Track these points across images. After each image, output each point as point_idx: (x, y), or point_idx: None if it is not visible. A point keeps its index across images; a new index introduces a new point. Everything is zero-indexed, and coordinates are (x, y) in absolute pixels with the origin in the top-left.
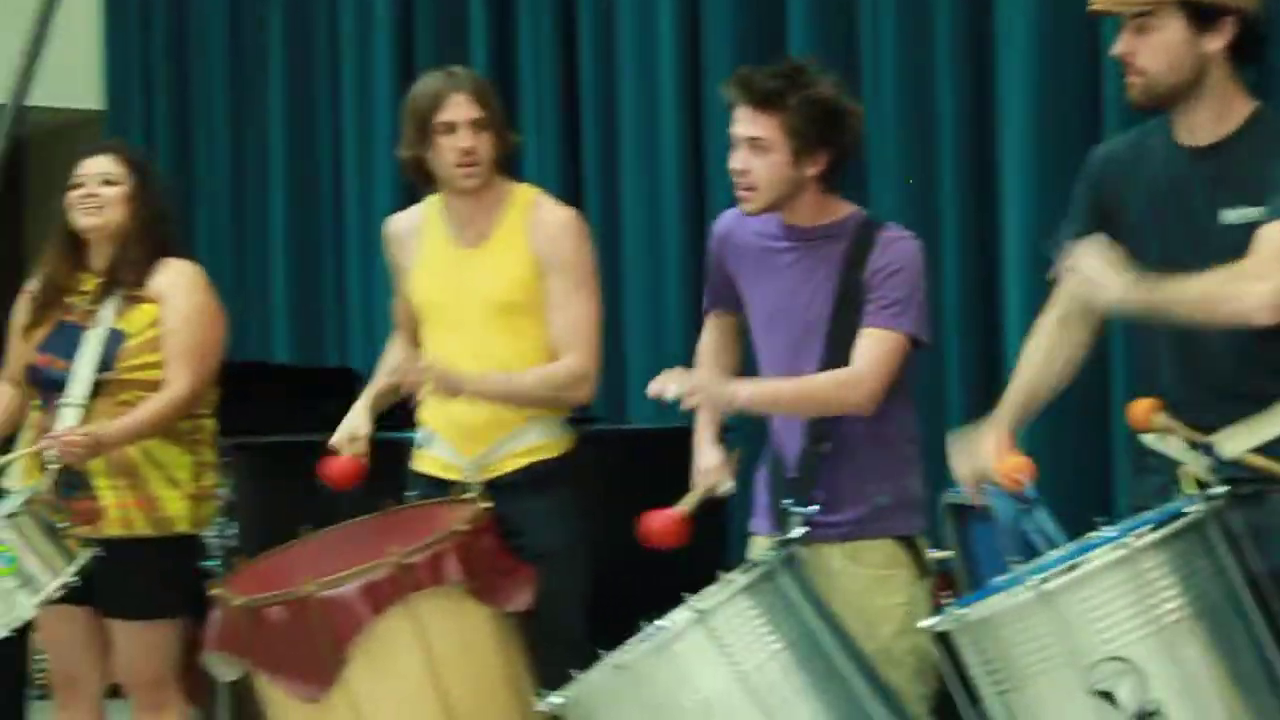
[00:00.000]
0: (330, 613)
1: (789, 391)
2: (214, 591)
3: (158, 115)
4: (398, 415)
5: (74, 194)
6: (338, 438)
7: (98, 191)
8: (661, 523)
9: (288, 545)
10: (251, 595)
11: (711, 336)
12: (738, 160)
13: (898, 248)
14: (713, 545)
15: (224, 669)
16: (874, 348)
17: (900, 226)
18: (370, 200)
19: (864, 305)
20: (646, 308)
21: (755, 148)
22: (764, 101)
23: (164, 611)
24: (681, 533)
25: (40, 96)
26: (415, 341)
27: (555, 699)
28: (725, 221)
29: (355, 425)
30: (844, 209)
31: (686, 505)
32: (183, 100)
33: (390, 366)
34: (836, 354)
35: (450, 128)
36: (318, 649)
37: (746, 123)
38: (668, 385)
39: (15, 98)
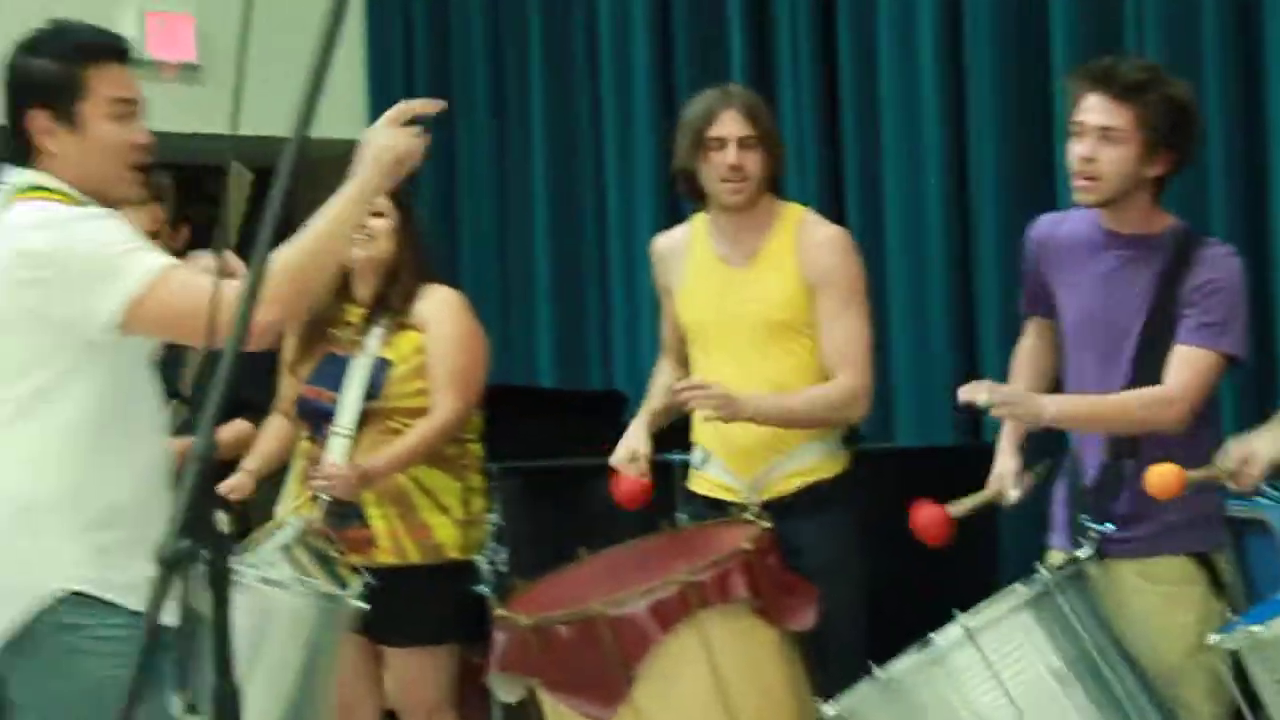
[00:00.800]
0: (619, 631)
1: (1097, 409)
2: (499, 612)
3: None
4: (666, 436)
5: None
6: (617, 458)
7: (367, 223)
8: (928, 516)
9: (567, 567)
10: (539, 615)
11: (1030, 340)
12: (1084, 148)
13: (1221, 264)
14: (988, 561)
15: (507, 690)
16: (1189, 366)
17: (1222, 241)
18: (633, 221)
19: (1180, 320)
20: (911, 324)
21: (1106, 138)
22: (1124, 93)
23: (439, 637)
24: (944, 531)
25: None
26: (682, 362)
27: (829, 710)
28: (1043, 225)
29: (635, 445)
30: (1165, 220)
31: (960, 507)
32: (446, 130)
33: (663, 387)
34: (1146, 368)
35: (720, 143)
36: (606, 667)
37: (1102, 112)
38: (978, 392)
39: (298, 130)
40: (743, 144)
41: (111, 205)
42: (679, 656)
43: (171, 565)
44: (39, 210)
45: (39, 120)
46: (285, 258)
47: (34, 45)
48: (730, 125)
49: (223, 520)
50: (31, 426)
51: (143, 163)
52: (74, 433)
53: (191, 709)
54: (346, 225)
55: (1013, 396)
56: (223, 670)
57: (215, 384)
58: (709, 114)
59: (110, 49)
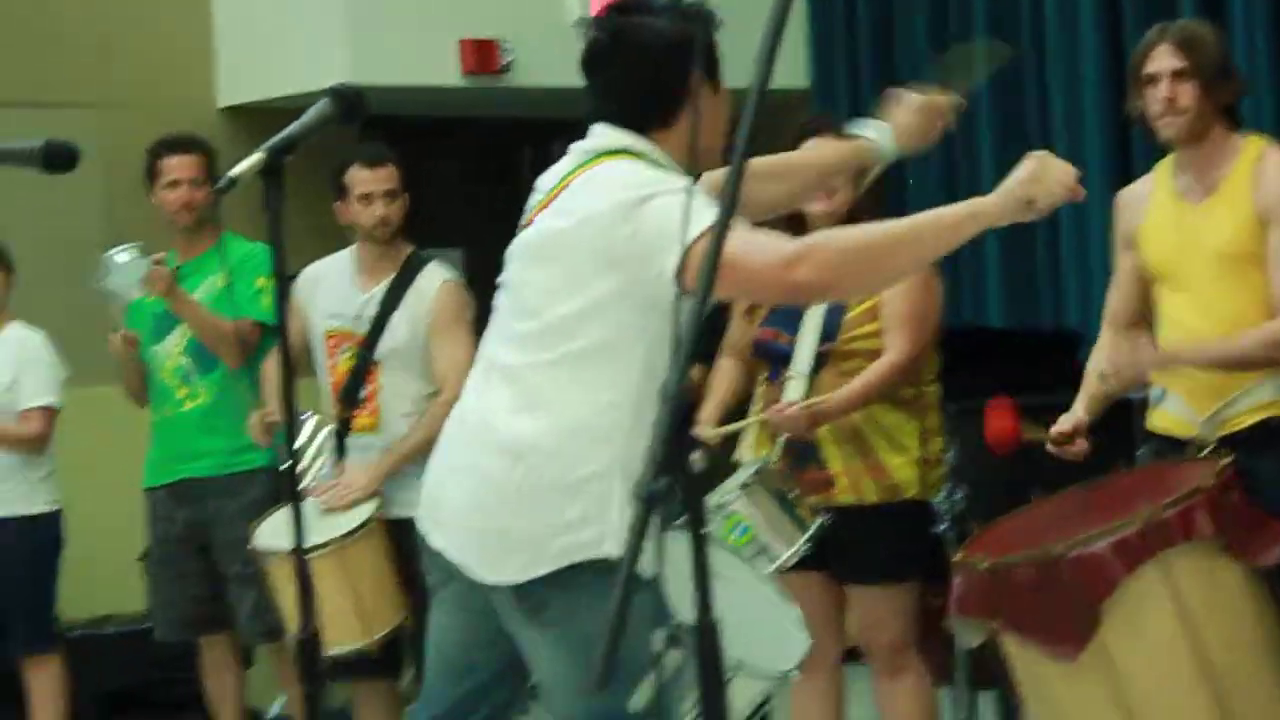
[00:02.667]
0: (1082, 572)
1: None
2: (957, 557)
3: (863, 90)
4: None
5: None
6: (1059, 429)
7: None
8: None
9: (1023, 509)
10: (997, 558)
11: None
12: None
13: None
14: None
15: (968, 634)
16: None
17: None
18: (1079, 159)
19: None
20: None
21: None
22: None
23: (899, 575)
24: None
25: (743, 77)
26: (1132, 326)
27: None
28: None
29: (1076, 419)
30: None
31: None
32: (888, 73)
33: (1098, 370)
34: None
35: (1154, 79)
36: (1070, 609)
37: None
38: None
39: (759, 80)
40: (1176, 77)
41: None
42: (1143, 596)
43: (649, 503)
44: (633, 170)
45: (693, 82)
46: (866, 235)
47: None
48: (1162, 60)
49: (697, 459)
50: (601, 388)
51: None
52: (632, 400)
53: (672, 642)
54: (940, 244)
55: None
56: (702, 605)
57: (687, 327)
58: (1144, 51)
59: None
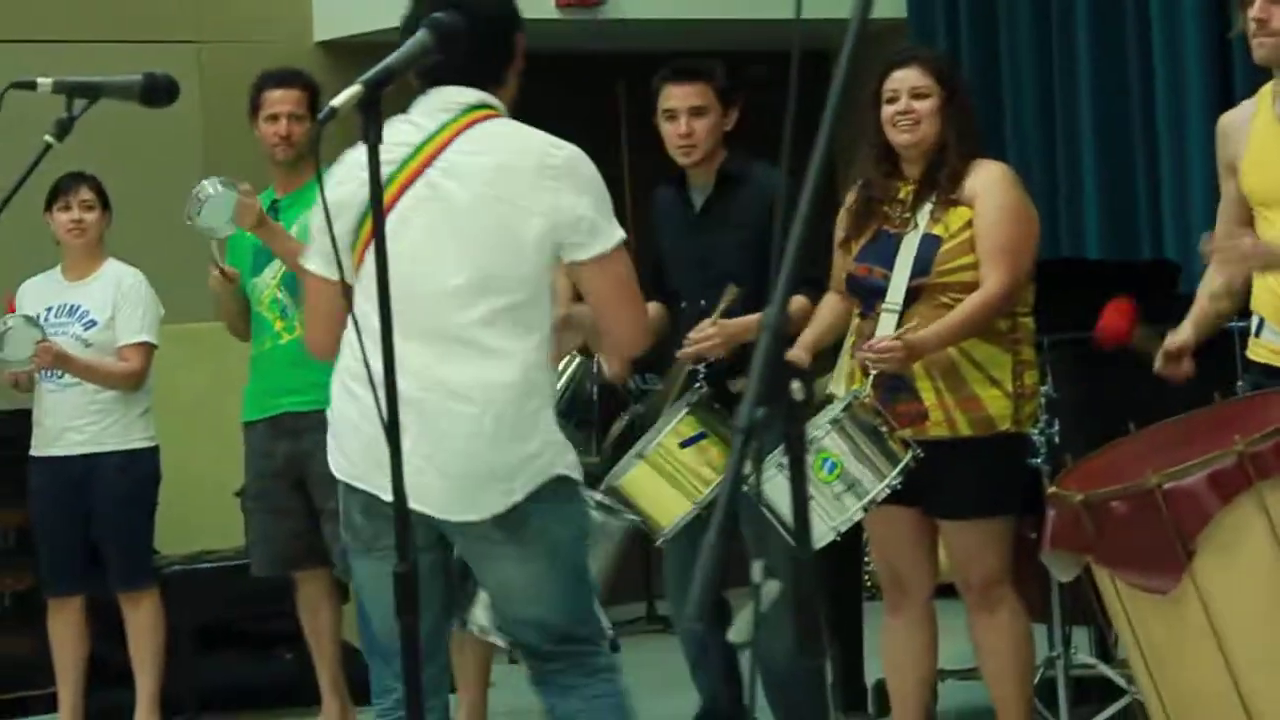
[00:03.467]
0: (1176, 504)
1: None
2: (1051, 490)
3: (961, 19)
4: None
5: (889, 109)
6: (1169, 345)
7: (911, 107)
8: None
9: (1117, 441)
10: (1090, 491)
11: None
12: None
13: None
14: None
15: (1062, 568)
16: None
17: None
18: (1180, 89)
19: None
20: None
21: None
22: None
23: (994, 509)
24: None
25: (843, 8)
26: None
27: None
28: None
29: (1184, 339)
30: None
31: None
32: (986, 4)
33: (1209, 290)
34: None
35: (1252, 1)
36: (1164, 541)
37: None
38: None
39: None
40: None
41: None
42: (1238, 528)
43: (749, 434)
44: (537, 133)
45: (521, 45)
46: None
47: None
48: None
49: (798, 389)
50: (533, 334)
51: None
52: (547, 334)
53: (770, 573)
54: None
55: None
56: (801, 535)
57: (785, 259)
58: None
59: None
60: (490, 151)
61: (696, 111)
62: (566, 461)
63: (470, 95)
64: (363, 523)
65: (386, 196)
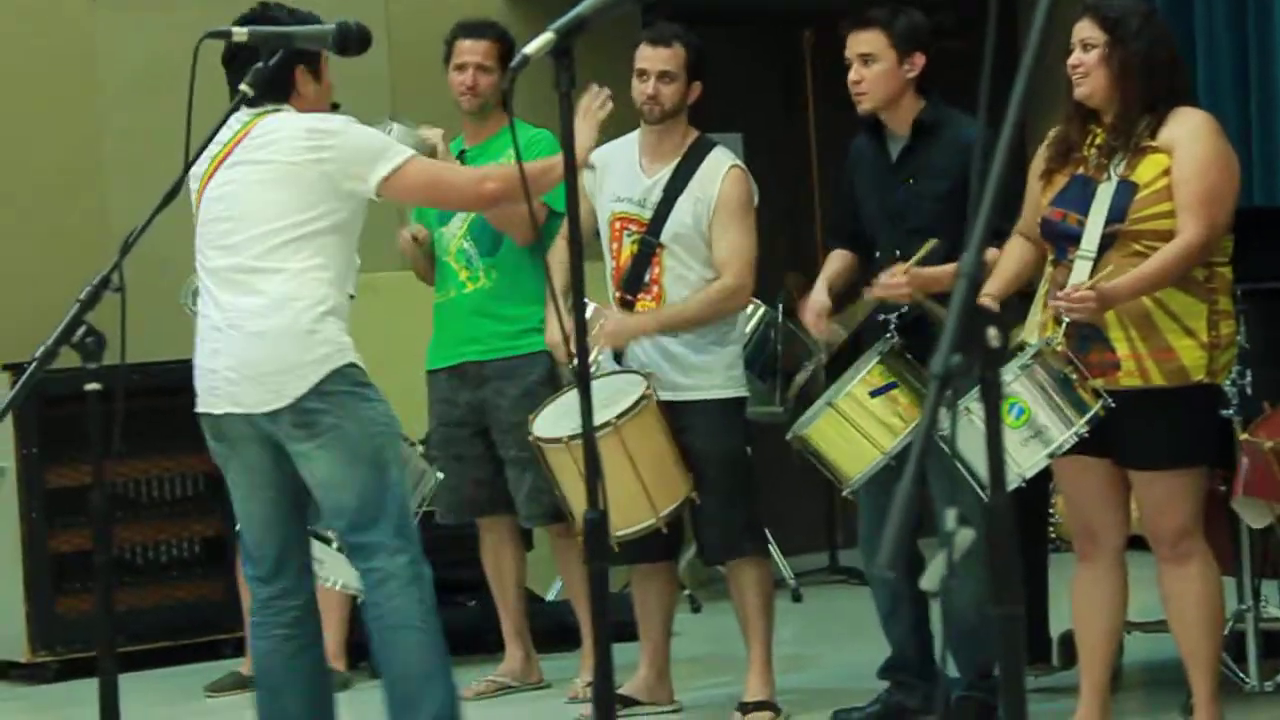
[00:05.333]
0: None
1: None
2: (1243, 436)
3: None
4: None
5: (1070, 60)
6: None
7: (1080, 59)
8: None
9: None
10: (1277, 439)
11: None
12: None
13: None
14: None
15: (1255, 515)
16: None
17: None
18: None
19: None
20: None
21: None
22: None
23: (1186, 460)
24: None
25: None
26: None
27: None
28: None
29: None
30: None
31: None
32: None
33: None
34: None
35: None
36: None
37: None
38: None
39: None
40: None
41: None
42: None
43: (946, 380)
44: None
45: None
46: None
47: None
48: None
49: (994, 335)
50: (316, 255)
51: None
52: (337, 263)
53: (963, 521)
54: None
55: None
56: (995, 482)
57: (979, 208)
58: None
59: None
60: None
61: (866, 59)
62: (347, 359)
63: (263, 105)
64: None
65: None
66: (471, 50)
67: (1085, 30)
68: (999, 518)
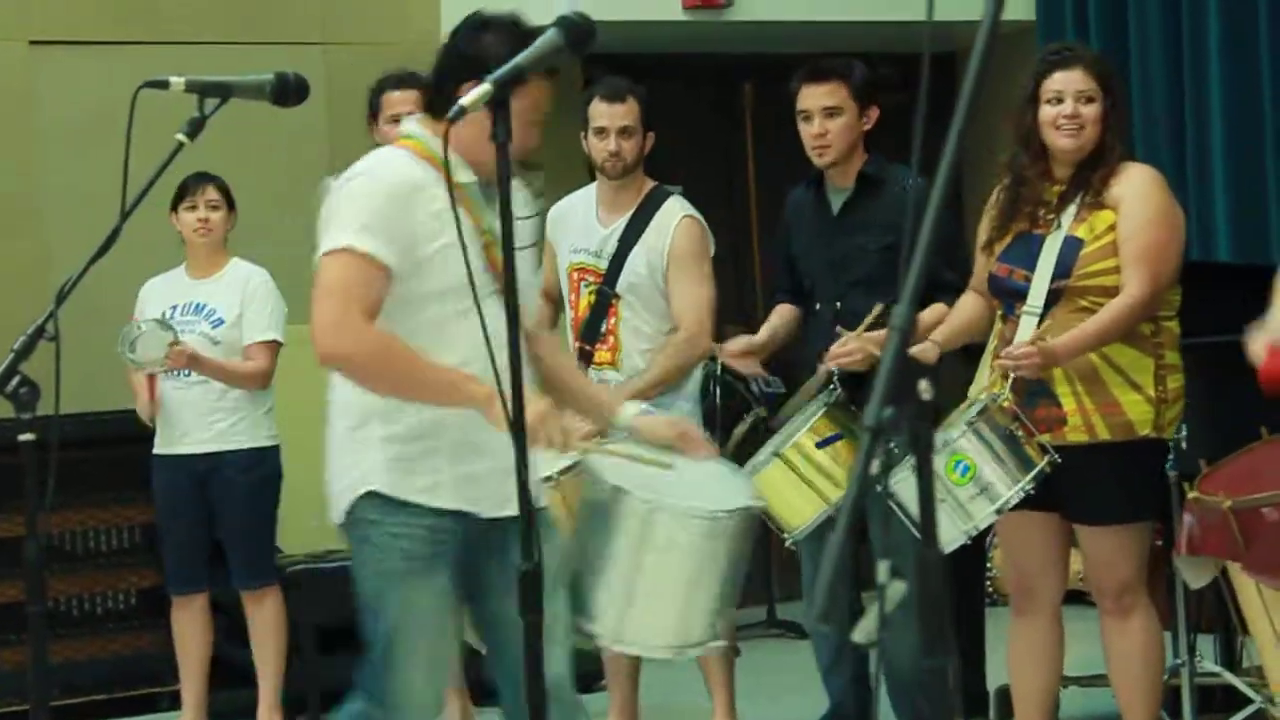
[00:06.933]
0: None
1: None
2: (1191, 494)
3: (1090, 20)
4: None
5: (1051, 111)
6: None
7: (1078, 111)
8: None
9: (1254, 445)
10: (1238, 497)
11: None
12: None
13: None
14: None
15: (1195, 574)
16: None
17: None
18: None
19: None
20: None
21: None
22: None
23: (1133, 515)
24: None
25: (973, 10)
26: None
27: None
28: None
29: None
30: None
31: None
32: (1114, 6)
33: None
34: None
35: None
36: None
37: None
38: None
39: (991, 13)
40: None
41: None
42: None
43: (877, 432)
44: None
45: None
46: (405, 361)
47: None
48: None
49: (925, 388)
50: None
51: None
52: None
53: (896, 574)
54: (442, 401)
55: None
56: (928, 534)
57: (911, 261)
58: None
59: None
60: None
61: (830, 112)
62: (371, 481)
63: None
64: None
65: None
66: (403, 101)
67: (1079, 82)
68: (931, 570)
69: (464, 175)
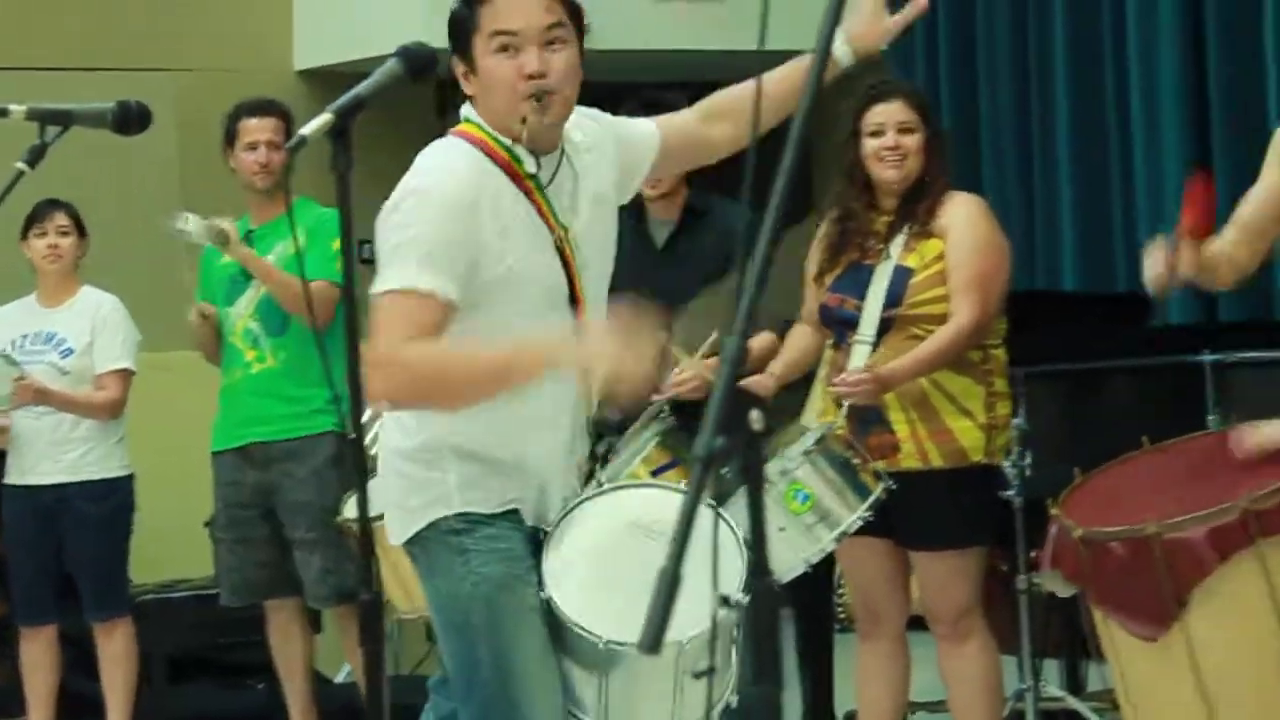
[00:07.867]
0: (1174, 555)
1: None
2: (1053, 511)
3: (940, 51)
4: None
5: (873, 143)
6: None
7: (899, 142)
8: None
9: (1123, 459)
10: (1091, 526)
11: None
12: None
13: None
14: None
15: (1060, 586)
16: None
17: None
18: (1156, 122)
19: None
20: None
21: None
22: None
23: (966, 540)
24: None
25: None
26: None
27: None
28: None
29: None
30: None
31: None
32: (964, 34)
33: None
34: None
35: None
36: (1158, 589)
37: None
38: None
39: (821, 47)
40: None
41: (519, 139)
42: (1236, 584)
43: (708, 462)
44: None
45: (458, 67)
46: (447, 368)
47: None
48: None
49: (756, 418)
50: None
51: (541, 89)
52: None
53: (724, 602)
54: (505, 388)
55: None
56: (758, 565)
57: (744, 291)
58: None
59: None
60: None
61: None
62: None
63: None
64: None
65: None
66: (260, 128)
67: (899, 113)
68: (762, 598)
69: (530, 164)
